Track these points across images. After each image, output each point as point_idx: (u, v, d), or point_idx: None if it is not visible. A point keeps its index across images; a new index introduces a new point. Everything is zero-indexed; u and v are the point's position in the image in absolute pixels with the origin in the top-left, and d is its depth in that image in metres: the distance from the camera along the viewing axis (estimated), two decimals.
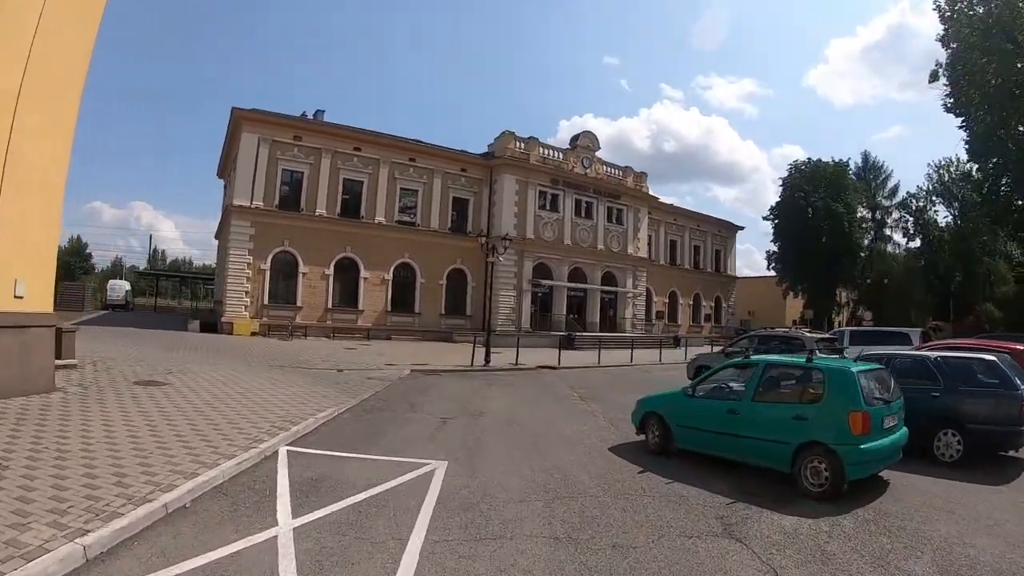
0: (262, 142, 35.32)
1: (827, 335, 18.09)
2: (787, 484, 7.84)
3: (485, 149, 43.19)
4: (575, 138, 45.35)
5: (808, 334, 16.96)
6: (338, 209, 37.45)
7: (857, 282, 65.66)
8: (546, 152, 43.20)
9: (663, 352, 32.24)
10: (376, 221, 38.17)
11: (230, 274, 35.05)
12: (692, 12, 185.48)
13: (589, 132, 45.78)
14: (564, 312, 42.39)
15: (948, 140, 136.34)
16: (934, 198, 66.43)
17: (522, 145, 42.12)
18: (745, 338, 18.91)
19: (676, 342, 42.79)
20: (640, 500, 7.28)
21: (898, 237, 71.13)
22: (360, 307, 37.50)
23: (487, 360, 23.84)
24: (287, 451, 8.87)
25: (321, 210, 36.72)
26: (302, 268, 35.99)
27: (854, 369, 8.01)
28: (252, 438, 9.14)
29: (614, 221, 47.15)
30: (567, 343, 35.70)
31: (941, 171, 65.77)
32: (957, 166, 64.04)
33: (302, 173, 36.75)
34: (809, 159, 63.68)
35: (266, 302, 35.16)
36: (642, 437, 10.16)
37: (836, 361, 8.68)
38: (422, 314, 39.31)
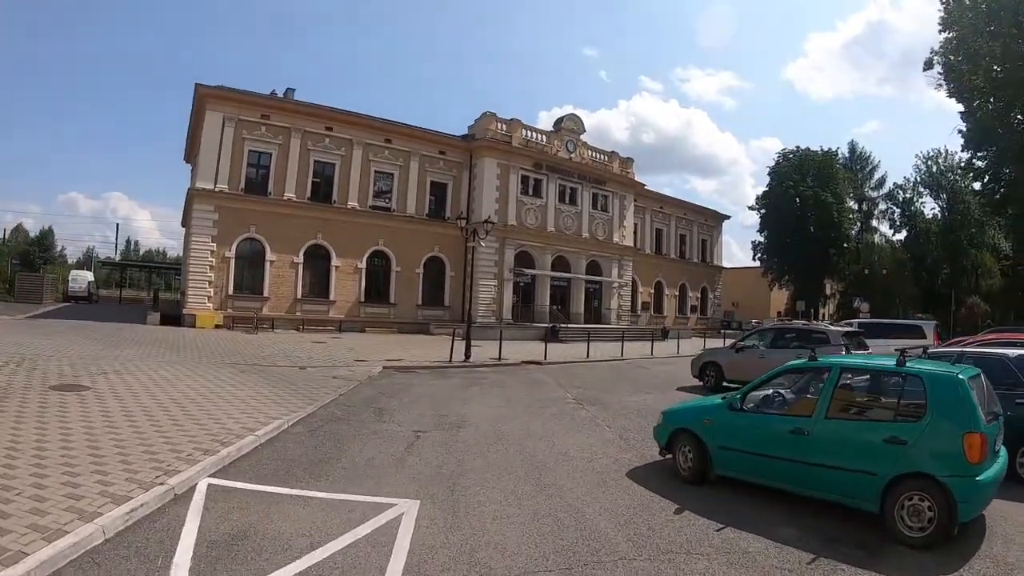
0: (227, 121, 32.90)
1: (852, 328, 16.12)
2: (871, 524, 5.94)
3: (465, 132, 40.90)
4: (559, 120, 43.22)
5: (833, 327, 15.01)
6: (308, 193, 35.08)
7: (844, 273, 64.56)
8: (529, 135, 41.05)
9: (654, 345, 30.18)
10: (349, 206, 35.83)
11: (192, 263, 32.75)
12: (673, 4, 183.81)
13: (574, 115, 43.73)
14: (547, 303, 40.37)
15: (925, 135, 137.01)
16: (921, 189, 65.81)
17: (504, 127, 39.94)
18: (757, 332, 16.98)
19: (664, 334, 40.99)
20: (688, 562, 5.23)
21: (884, 229, 70.57)
22: (332, 297, 35.20)
23: (467, 355, 21.73)
24: (208, 486, 6.72)
25: (290, 194, 34.32)
26: (269, 256, 33.65)
27: (963, 376, 6.01)
28: (164, 467, 6.96)
29: (599, 208, 45.16)
30: (552, 335, 33.75)
31: (929, 162, 65.19)
32: (946, 157, 63.80)
33: (270, 155, 34.30)
34: (798, 147, 62.61)
35: (231, 292, 32.85)
36: (659, 454, 8.24)
37: (936, 365, 6.64)
38: (398, 305, 37.08)
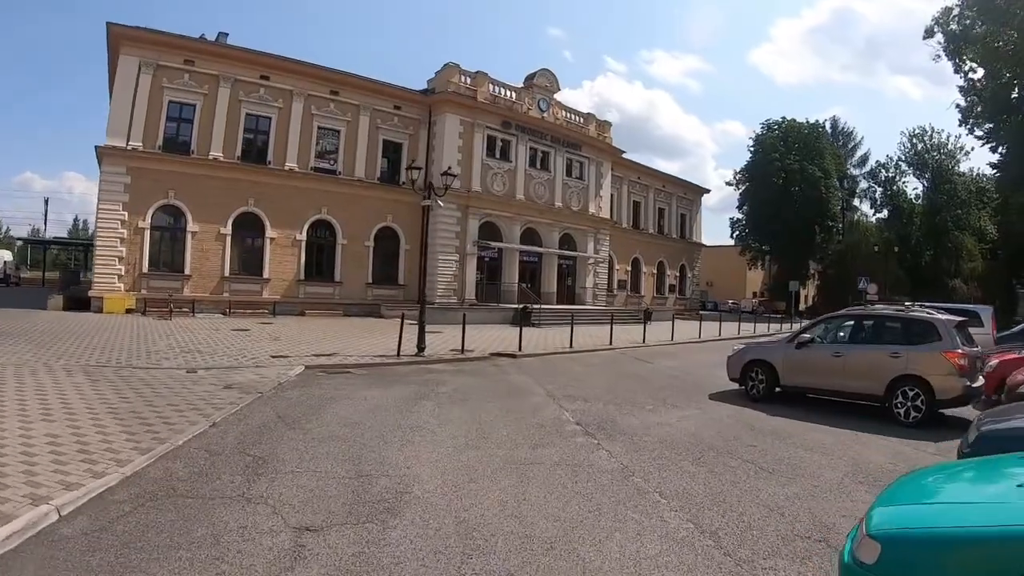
0: (144, 67, 27.77)
1: (962, 315, 11.74)
2: None
3: (424, 87, 35.82)
4: (531, 76, 38.28)
5: (940, 316, 10.64)
6: (238, 152, 29.98)
7: (827, 252, 61.43)
8: (497, 90, 36.12)
9: (644, 330, 25.75)
10: (287, 168, 30.70)
11: (99, 236, 27.79)
12: None
13: (547, 70, 38.74)
14: (516, 281, 35.78)
15: (888, 121, 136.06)
16: (905, 167, 63.58)
17: (468, 80, 34.95)
18: (822, 321, 12.53)
19: (648, 316, 36.66)
20: None
21: (865, 208, 68.15)
22: (266, 275, 30.17)
23: (420, 346, 16.98)
24: None
25: (217, 153, 29.23)
26: (191, 226, 28.64)
27: None
28: None
29: (574, 175, 40.58)
30: (524, 319, 29.16)
31: (915, 140, 62.73)
32: (931, 135, 61.78)
33: (194, 107, 29.23)
34: (784, 118, 59.06)
35: (146, 270, 27.88)
36: None
37: None
38: (344, 283, 32.09)
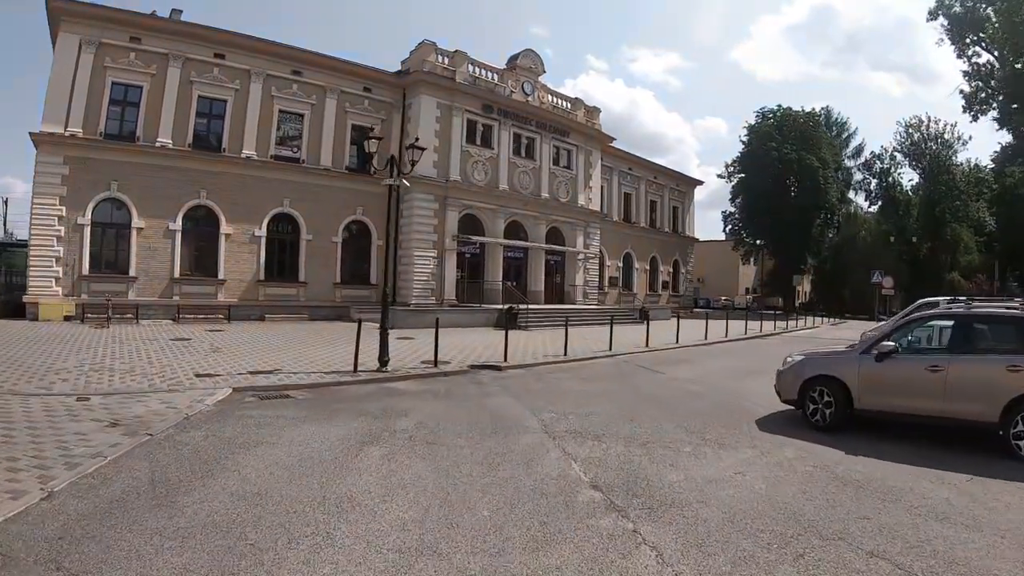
0: (85, 45, 24.87)
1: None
2: None
3: (397, 69, 32.72)
4: (513, 57, 35.27)
5: None
6: (190, 139, 26.89)
7: (823, 246, 59.21)
8: (477, 71, 33.04)
9: (647, 331, 22.81)
10: (244, 156, 27.60)
11: (34, 234, 24.72)
12: None
13: (531, 51, 35.72)
14: (500, 279, 32.71)
15: (870, 118, 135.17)
16: (901, 158, 61.60)
17: (446, 60, 31.89)
18: (910, 323, 9.58)
19: (644, 315, 33.87)
20: None
21: (861, 200, 66.33)
22: (221, 275, 27.05)
23: (383, 359, 13.95)
24: None
25: (165, 140, 26.16)
26: (137, 222, 25.57)
27: None
28: None
29: (562, 164, 37.63)
30: (510, 321, 26.20)
31: (911, 129, 60.69)
32: (928, 125, 59.77)
33: (140, 89, 26.17)
34: (779, 106, 56.49)
35: (86, 272, 24.78)
36: None
37: None
38: (309, 284, 28.97)
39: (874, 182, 64.07)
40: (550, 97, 36.80)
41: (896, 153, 61.71)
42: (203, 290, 26.72)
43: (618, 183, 45.60)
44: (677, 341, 23.21)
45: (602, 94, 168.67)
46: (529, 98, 34.86)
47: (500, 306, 28.36)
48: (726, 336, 27.15)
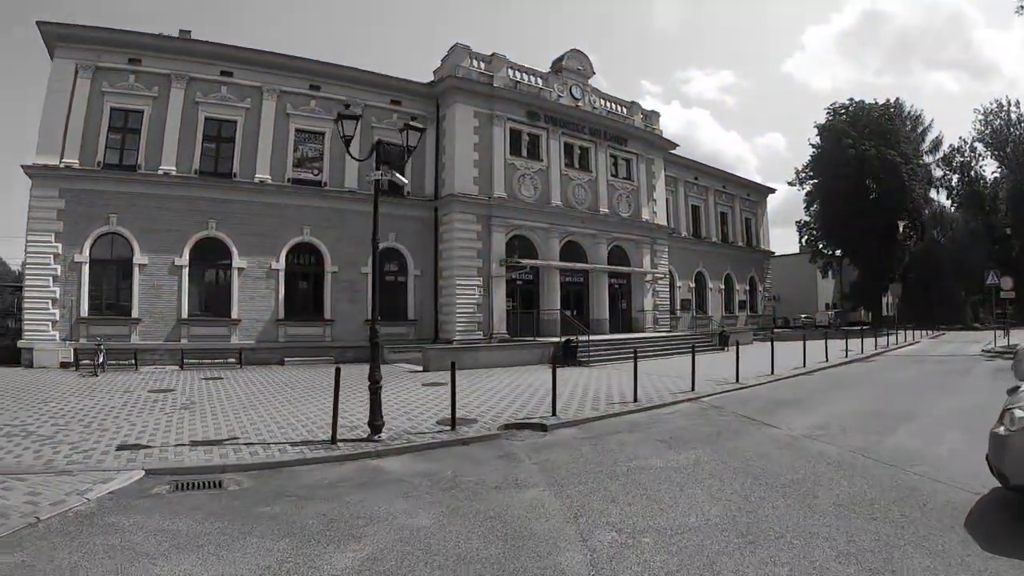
0: (82, 70, 22.68)
1: None
2: None
3: (430, 80, 29.23)
4: (558, 60, 31.34)
5: None
6: (196, 164, 24.01)
7: (908, 249, 53.20)
8: (518, 75, 29.24)
9: (736, 363, 18.10)
10: (257, 180, 24.48)
11: (29, 274, 22.20)
12: (669, 7, 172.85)
13: (577, 51, 31.72)
14: (557, 307, 28.37)
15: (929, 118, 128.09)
16: (983, 150, 56.37)
17: (482, 65, 28.25)
18: None
19: (724, 341, 29.19)
20: None
21: (942, 198, 60.26)
22: (234, 315, 23.75)
23: (374, 422, 9.92)
24: None
25: (168, 167, 23.37)
26: (139, 258, 22.70)
27: None
28: None
29: (621, 175, 33.31)
30: (568, 356, 22.20)
31: (990, 116, 54.89)
32: (1009, 109, 54.09)
33: (141, 113, 23.57)
34: (851, 99, 51.37)
35: (85, 314, 22.00)
36: None
37: None
38: (336, 322, 25.36)
39: (955, 178, 58.67)
40: (602, 101, 32.69)
41: (977, 144, 56.41)
42: (214, 332, 23.47)
43: (684, 194, 40.93)
44: (772, 372, 18.56)
45: (660, 116, 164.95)
46: (579, 102, 30.84)
47: (558, 339, 24.13)
48: (826, 360, 22.59)
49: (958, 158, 57.69)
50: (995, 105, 54.44)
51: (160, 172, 23.11)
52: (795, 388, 16.44)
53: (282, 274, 24.51)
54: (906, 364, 22.99)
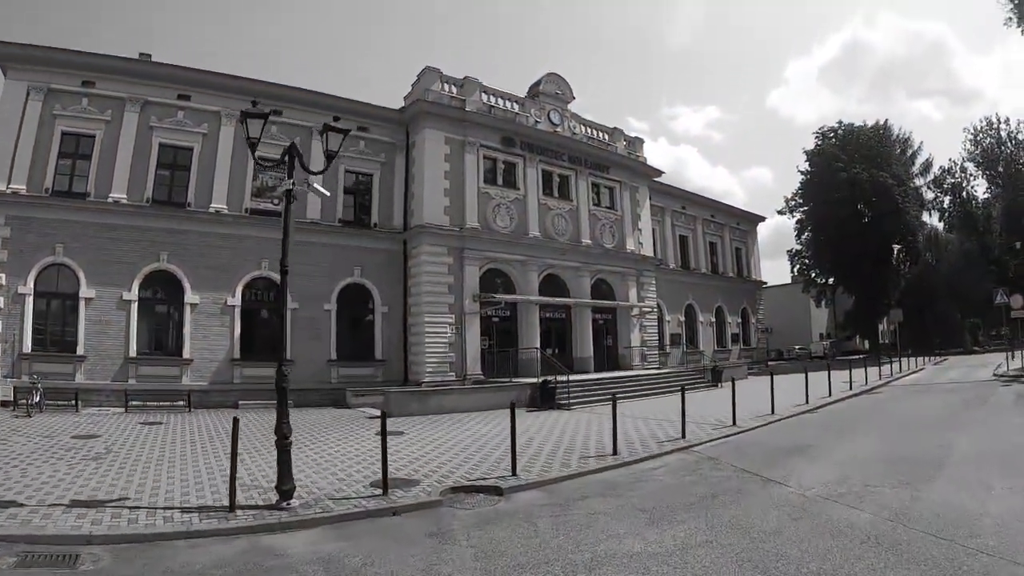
0: (33, 92, 21.32)
1: None
2: None
3: (400, 106, 27.85)
4: (535, 85, 30.04)
5: None
6: (148, 193, 22.51)
7: (904, 275, 52.32)
8: (492, 99, 27.93)
9: (732, 402, 16.34)
10: (212, 210, 22.93)
11: None
12: (649, 43, 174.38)
13: (555, 74, 30.42)
14: (537, 345, 26.57)
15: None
16: (969, 166, 55.49)
17: (454, 89, 26.94)
18: None
19: (717, 377, 27.54)
20: None
21: (935, 221, 59.41)
22: (186, 354, 22.02)
23: (282, 487, 8.33)
24: None
25: (120, 195, 21.88)
26: (85, 291, 21.01)
27: None
28: None
29: (604, 204, 31.89)
30: (544, 399, 20.51)
31: (980, 135, 53.93)
32: (998, 126, 52.97)
33: (93, 138, 22.02)
34: (840, 122, 51.43)
35: (28, 350, 20.20)
36: None
37: None
38: (297, 362, 23.26)
39: (947, 200, 57.79)
40: (583, 127, 31.41)
41: (967, 164, 55.51)
42: (164, 372, 21.71)
43: (671, 224, 39.53)
44: (772, 411, 16.90)
45: (648, 153, 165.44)
46: (558, 128, 29.51)
47: (537, 379, 22.34)
48: (829, 394, 20.91)
49: (949, 179, 56.96)
50: (984, 123, 53.73)
51: (109, 200, 21.55)
52: (800, 430, 14.77)
53: (238, 310, 22.79)
54: (915, 395, 21.59)
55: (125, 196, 21.82)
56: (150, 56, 24.74)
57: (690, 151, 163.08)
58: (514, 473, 10.10)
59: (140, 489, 9.05)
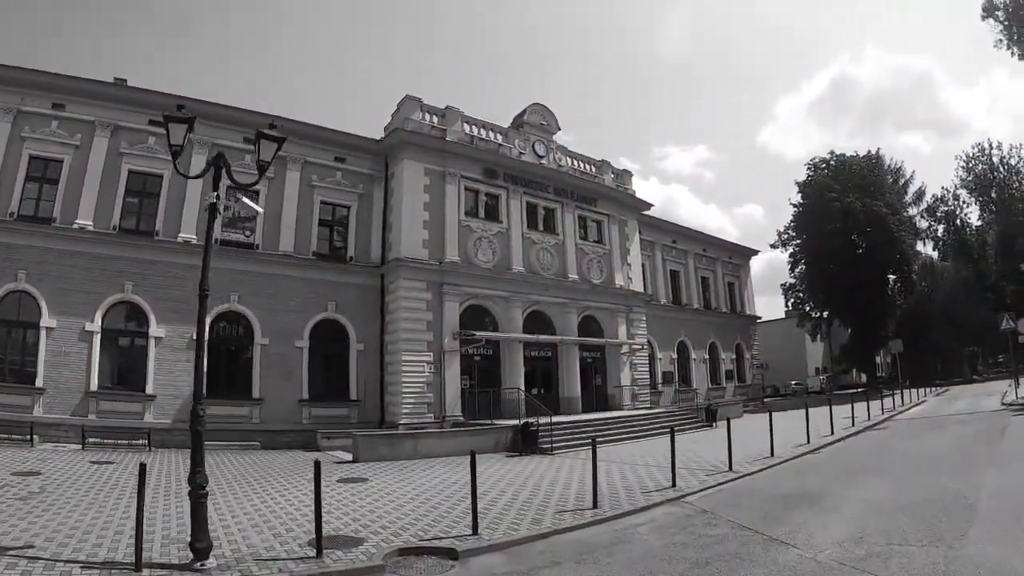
0: (2, 113, 20.65)
1: None
2: None
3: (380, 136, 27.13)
4: (520, 115, 29.39)
5: None
6: (115, 220, 21.69)
7: (899, 306, 52.34)
8: (474, 130, 27.27)
9: (728, 444, 15.20)
10: (180, 240, 21.95)
11: None
12: (638, 83, 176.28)
13: (540, 105, 29.87)
14: (521, 386, 25.39)
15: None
16: (962, 193, 55.09)
17: (435, 119, 26.26)
18: None
19: (711, 416, 26.42)
20: None
21: (929, 250, 59.14)
22: (149, 390, 20.89)
23: (196, 543, 7.31)
24: None
25: (86, 221, 21.01)
26: (46, 321, 19.92)
27: None
28: None
29: (591, 238, 31.03)
30: (526, 443, 19.35)
31: (972, 162, 53.57)
32: (990, 151, 52.69)
33: (62, 162, 21.23)
34: (832, 152, 51.72)
35: None
36: None
37: None
38: (266, 401, 22.34)
39: (940, 228, 57.39)
40: (569, 159, 30.72)
41: (960, 191, 55.13)
42: (126, 408, 20.49)
43: (662, 258, 38.71)
44: (772, 452, 15.79)
45: (638, 189, 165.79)
46: (543, 160, 28.78)
47: (518, 423, 21.13)
48: (832, 432, 19.79)
49: (942, 208, 56.54)
50: (977, 150, 53.38)
51: (75, 226, 20.61)
52: (804, 474, 13.62)
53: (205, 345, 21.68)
54: (924, 429, 20.49)
55: (91, 223, 20.94)
56: (125, 81, 24.07)
57: (681, 190, 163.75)
58: (475, 532, 8.98)
59: (51, 536, 8.21)
